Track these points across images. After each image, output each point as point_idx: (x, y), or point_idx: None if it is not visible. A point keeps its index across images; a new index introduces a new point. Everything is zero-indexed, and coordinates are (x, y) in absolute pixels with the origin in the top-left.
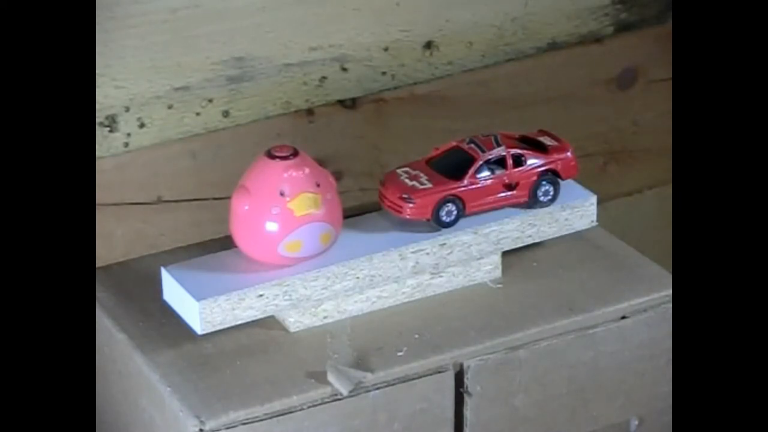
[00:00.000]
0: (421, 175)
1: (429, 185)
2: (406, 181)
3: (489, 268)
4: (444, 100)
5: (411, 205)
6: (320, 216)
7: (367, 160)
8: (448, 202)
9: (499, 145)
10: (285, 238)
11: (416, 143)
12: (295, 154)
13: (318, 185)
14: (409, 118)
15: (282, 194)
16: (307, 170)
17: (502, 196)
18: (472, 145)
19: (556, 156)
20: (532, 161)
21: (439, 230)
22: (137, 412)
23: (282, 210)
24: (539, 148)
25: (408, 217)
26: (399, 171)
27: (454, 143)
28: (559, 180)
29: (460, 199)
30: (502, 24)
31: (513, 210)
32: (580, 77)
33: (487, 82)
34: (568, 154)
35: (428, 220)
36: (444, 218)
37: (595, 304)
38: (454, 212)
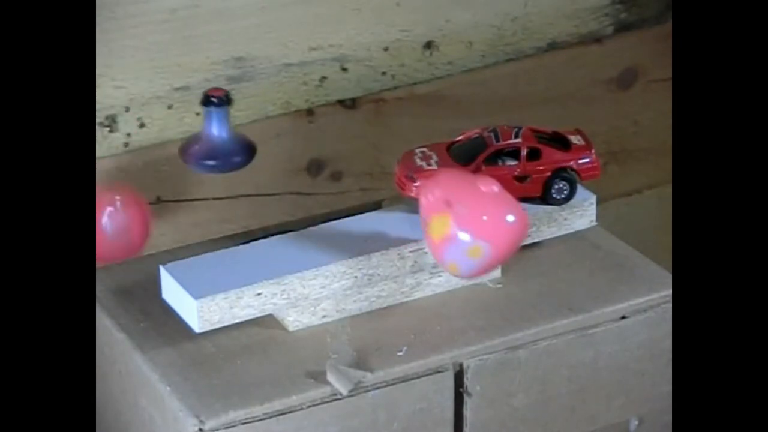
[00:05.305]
0: (434, 156)
1: (435, 167)
2: (417, 160)
3: None
4: (444, 100)
5: (415, 184)
6: (452, 233)
7: (367, 160)
8: None
9: (517, 137)
10: (443, 264)
11: (416, 143)
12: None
13: (448, 203)
14: (409, 118)
15: (425, 222)
16: (435, 193)
17: (512, 188)
18: (491, 134)
19: (574, 155)
20: (548, 157)
21: None
22: (137, 411)
23: (428, 238)
24: (562, 146)
25: (412, 195)
26: (416, 150)
27: (477, 130)
28: (578, 180)
29: None
30: (502, 24)
31: None
32: (580, 77)
33: (487, 82)
34: (590, 154)
35: None
36: None
37: (595, 304)
38: None
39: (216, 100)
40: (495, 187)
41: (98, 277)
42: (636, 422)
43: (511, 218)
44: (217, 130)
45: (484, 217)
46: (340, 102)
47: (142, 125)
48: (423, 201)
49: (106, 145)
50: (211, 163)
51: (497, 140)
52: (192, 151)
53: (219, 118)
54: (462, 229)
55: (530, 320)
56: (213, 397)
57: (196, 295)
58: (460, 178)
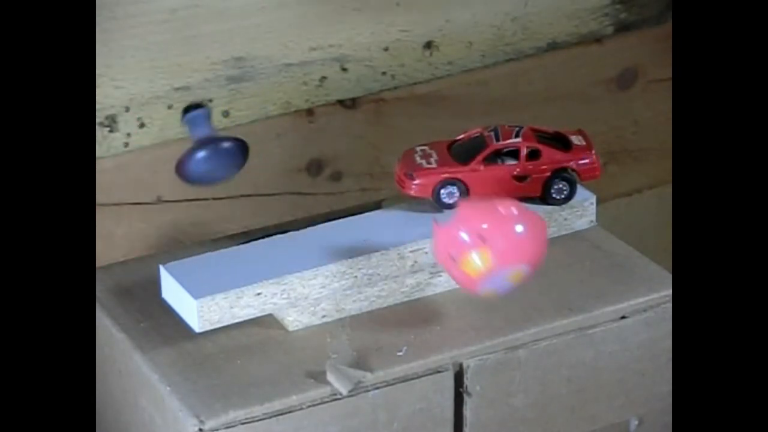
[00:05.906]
0: (434, 155)
1: (434, 165)
2: (417, 158)
3: None
4: (444, 100)
5: (413, 182)
6: (494, 266)
7: (367, 160)
8: (450, 184)
9: (517, 137)
10: (478, 294)
11: (416, 143)
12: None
13: (482, 237)
14: (409, 118)
15: (453, 259)
16: (462, 229)
17: (511, 187)
18: (491, 134)
19: (574, 155)
20: (548, 157)
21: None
22: (137, 411)
23: (459, 273)
24: (563, 146)
25: (411, 193)
26: (417, 148)
27: (478, 129)
28: (578, 180)
29: (462, 182)
30: (502, 24)
31: None
32: (580, 77)
33: (487, 82)
34: (590, 155)
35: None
36: (445, 199)
37: (595, 304)
38: (456, 194)
39: (194, 104)
40: (514, 209)
41: (98, 277)
42: (636, 422)
43: (538, 233)
44: (201, 129)
45: (521, 244)
46: (340, 102)
47: (142, 125)
48: (447, 238)
49: (106, 145)
50: (202, 153)
51: (497, 139)
52: (183, 157)
53: (201, 119)
54: (503, 260)
55: (530, 320)
56: (213, 397)
57: (196, 294)
58: (481, 209)
